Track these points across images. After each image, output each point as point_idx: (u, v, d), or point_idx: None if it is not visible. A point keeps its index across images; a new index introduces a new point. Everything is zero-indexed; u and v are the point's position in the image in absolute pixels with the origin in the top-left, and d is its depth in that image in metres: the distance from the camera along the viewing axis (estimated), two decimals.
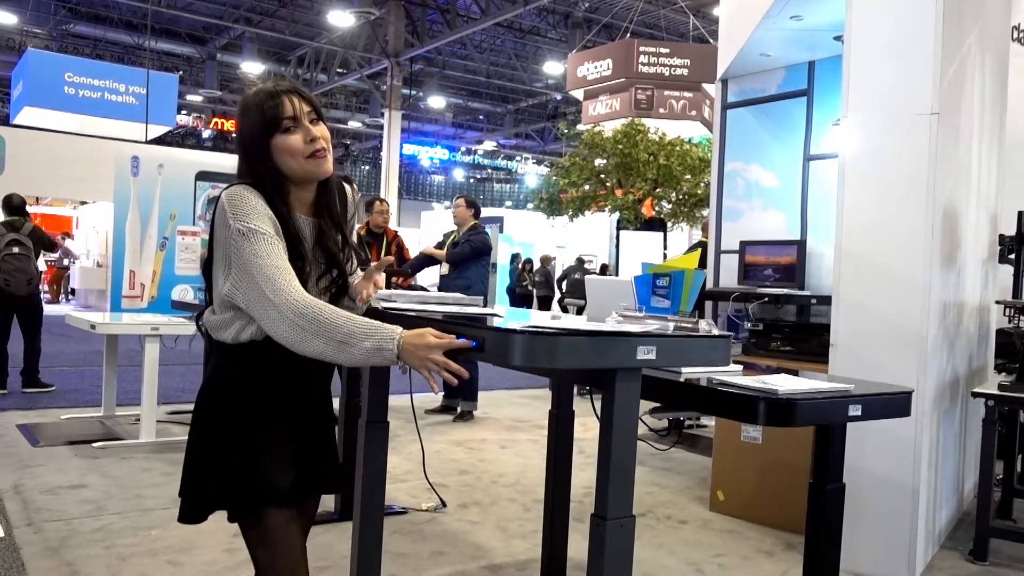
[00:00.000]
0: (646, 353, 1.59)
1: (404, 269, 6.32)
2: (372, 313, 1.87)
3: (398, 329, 1.55)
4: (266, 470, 1.69)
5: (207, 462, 1.70)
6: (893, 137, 3.29)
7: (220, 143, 33.49)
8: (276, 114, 1.68)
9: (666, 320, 1.85)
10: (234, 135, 1.82)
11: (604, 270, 16.16)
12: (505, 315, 2.22)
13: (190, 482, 1.72)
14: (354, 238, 1.92)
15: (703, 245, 5.99)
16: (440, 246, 6.69)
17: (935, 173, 3.18)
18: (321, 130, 1.72)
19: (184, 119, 29.18)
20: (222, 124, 31.48)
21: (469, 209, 6.61)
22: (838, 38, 4.39)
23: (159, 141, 17.96)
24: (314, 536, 3.42)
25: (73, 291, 19.94)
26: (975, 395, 3.56)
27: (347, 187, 1.87)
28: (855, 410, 1.91)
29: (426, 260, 6.69)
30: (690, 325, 1.82)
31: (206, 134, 33.19)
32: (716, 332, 1.76)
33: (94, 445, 4.92)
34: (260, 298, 1.58)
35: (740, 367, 2.22)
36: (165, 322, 5.27)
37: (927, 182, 3.18)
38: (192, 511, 1.72)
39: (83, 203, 19.77)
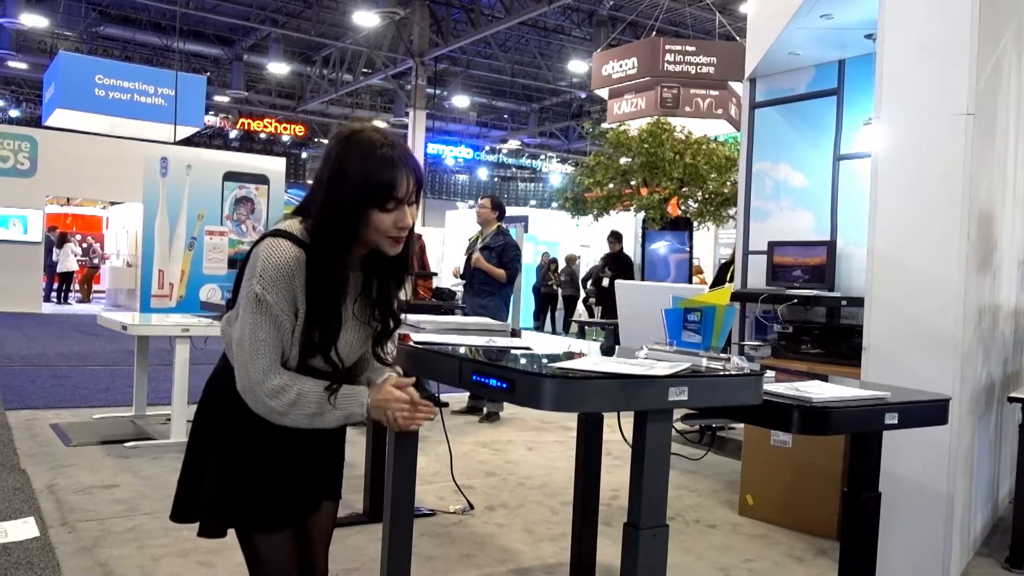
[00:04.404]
0: (678, 394, 1.59)
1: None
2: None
3: (364, 395, 1.65)
4: (255, 496, 1.65)
5: (199, 471, 1.69)
6: (928, 137, 3.23)
7: (247, 143, 33.81)
8: (388, 192, 1.59)
9: (698, 355, 1.84)
10: (320, 164, 1.69)
11: None
12: (535, 347, 2.19)
13: (181, 485, 1.73)
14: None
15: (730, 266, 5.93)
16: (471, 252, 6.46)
17: (970, 174, 3.12)
18: (412, 213, 1.64)
19: (211, 120, 29.46)
20: (248, 124, 31.77)
21: (494, 211, 6.41)
22: (869, 36, 4.33)
23: (187, 142, 18.17)
24: (344, 538, 3.46)
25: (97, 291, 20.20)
26: (1011, 400, 3.51)
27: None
28: (891, 418, 1.88)
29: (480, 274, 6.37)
30: (722, 363, 1.81)
31: (233, 134, 33.49)
32: (748, 369, 1.75)
33: (126, 445, 4.98)
34: (242, 364, 1.59)
35: (772, 372, 2.20)
36: (195, 323, 5.32)
37: (962, 183, 3.12)
38: (181, 511, 1.73)
39: (113, 203, 20.03)
